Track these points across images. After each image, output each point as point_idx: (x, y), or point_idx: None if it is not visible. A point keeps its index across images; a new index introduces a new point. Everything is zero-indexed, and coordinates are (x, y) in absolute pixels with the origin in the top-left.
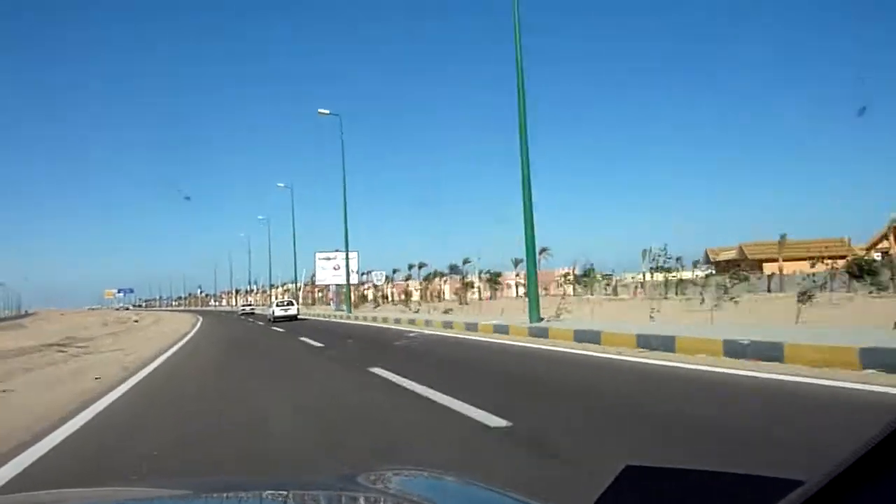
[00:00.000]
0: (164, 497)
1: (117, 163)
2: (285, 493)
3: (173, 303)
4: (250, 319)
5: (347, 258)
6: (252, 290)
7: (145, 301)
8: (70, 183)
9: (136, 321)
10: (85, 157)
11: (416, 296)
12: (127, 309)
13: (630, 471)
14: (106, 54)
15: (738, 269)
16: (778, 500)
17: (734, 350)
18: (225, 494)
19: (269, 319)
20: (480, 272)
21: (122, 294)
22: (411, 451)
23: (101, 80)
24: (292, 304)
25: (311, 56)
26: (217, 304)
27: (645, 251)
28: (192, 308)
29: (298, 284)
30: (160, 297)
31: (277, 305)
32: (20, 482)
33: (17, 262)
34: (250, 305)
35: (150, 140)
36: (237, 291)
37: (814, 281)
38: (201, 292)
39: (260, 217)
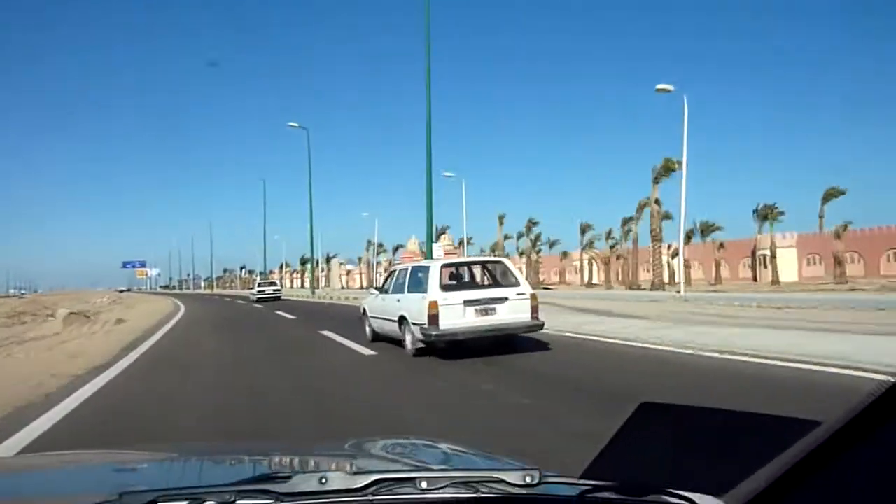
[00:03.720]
0: (160, 460)
1: (142, 135)
2: (284, 457)
3: (202, 283)
4: (259, 306)
5: None
6: (316, 265)
7: (179, 281)
8: (104, 161)
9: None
10: (115, 136)
11: None
12: (123, 291)
13: (645, 407)
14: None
15: None
16: (792, 440)
17: None
18: (221, 458)
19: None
20: None
21: (156, 272)
22: None
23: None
24: (516, 287)
25: None
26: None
27: None
28: (217, 292)
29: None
30: (189, 277)
31: (450, 289)
32: None
33: (48, 243)
34: (273, 285)
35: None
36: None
37: None
38: (244, 270)
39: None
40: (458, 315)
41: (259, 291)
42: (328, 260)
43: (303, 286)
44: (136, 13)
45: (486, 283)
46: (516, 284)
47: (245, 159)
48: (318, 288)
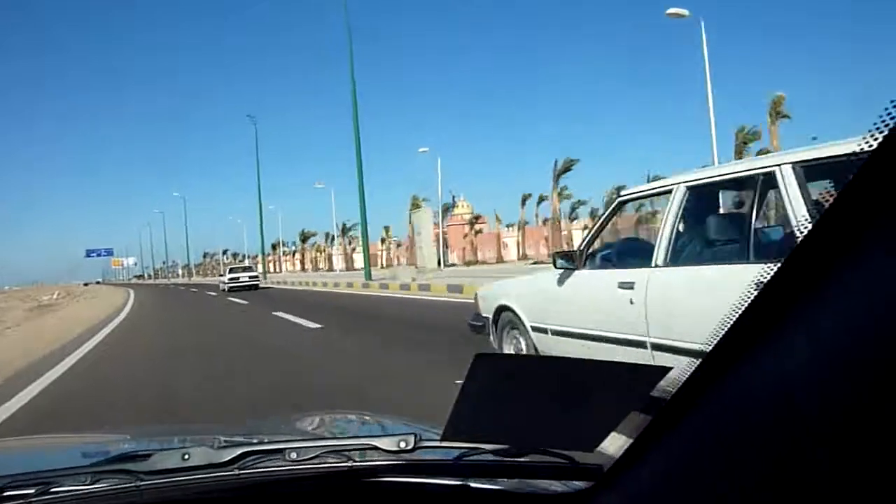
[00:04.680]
0: (48, 447)
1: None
2: (179, 437)
3: (179, 271)
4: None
5: None
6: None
7: (155, 270)
8: (72, 145)
9: None
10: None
11: None
12: (88, 284)
13: (481, 358)
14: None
15: None
16: (645, 389)
17: None
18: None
19: None
20: None
21: (132, 261)
22: None
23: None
24: None
25: None
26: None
27: None
28: (196, 280)
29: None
30: (165, 265)
31: None
32: None
33: (23, 234)
34: (248, 270)
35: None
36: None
37: None
38: (227, 254)
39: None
40: None
41: (231, 279)
42: (344, 231)
43: (304, 269)
44: None
45: None
46: None
47: (229, 129)
48: (382, 266)
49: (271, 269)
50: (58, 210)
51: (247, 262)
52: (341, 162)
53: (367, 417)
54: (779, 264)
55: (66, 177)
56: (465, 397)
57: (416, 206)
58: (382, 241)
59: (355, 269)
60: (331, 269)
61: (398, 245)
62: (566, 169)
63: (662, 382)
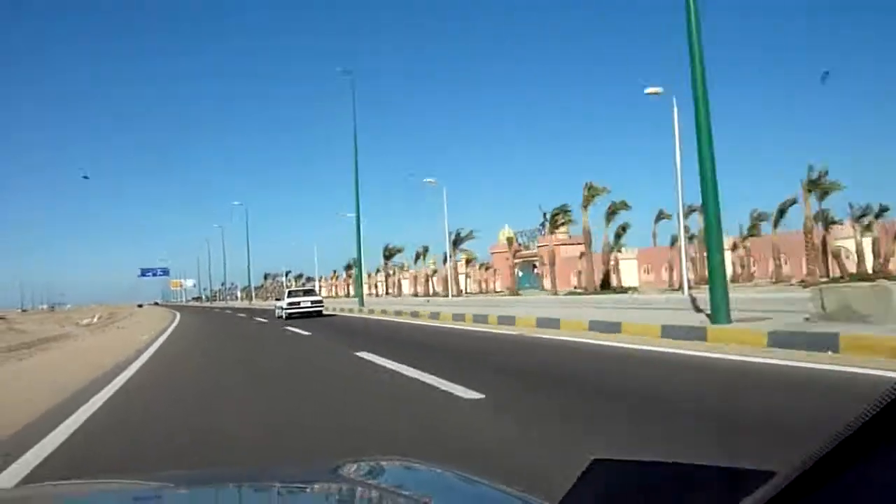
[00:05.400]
0: (144, 489)
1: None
2: (271, 484)
3: (238, 294)
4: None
5: None
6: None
7: (213, 292)
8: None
9: None
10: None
11: None
12: (141, 306)
13: (597, 464)
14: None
15: None
16: (750, 491)
17: None
18: (206, 487)
19: None
20: None
21: (191, 283)
22: None
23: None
24: None
25: None
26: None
27: None
28: (256, 304)
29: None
30: (224, 287)
31: None
32: None
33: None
34: (311, 294)
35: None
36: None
37: None
38: (289, 276)
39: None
40: None
41: (290, 304)
42: (455, 241)
43: (387, 293)
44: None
45: None
46: None
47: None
48: (466, 293)
49: (337, 293)
50: (120, 229)
51: (315, 284)
52: (431, 166)
53: (417, 466)
54: None
55: (130, 191)
56: (572, 497)
57: (591, 195)
58: (468, 261)
59: (467, 295)
60: (429, 293)
61: (486, 267)
62: None
63: (767, 488)
